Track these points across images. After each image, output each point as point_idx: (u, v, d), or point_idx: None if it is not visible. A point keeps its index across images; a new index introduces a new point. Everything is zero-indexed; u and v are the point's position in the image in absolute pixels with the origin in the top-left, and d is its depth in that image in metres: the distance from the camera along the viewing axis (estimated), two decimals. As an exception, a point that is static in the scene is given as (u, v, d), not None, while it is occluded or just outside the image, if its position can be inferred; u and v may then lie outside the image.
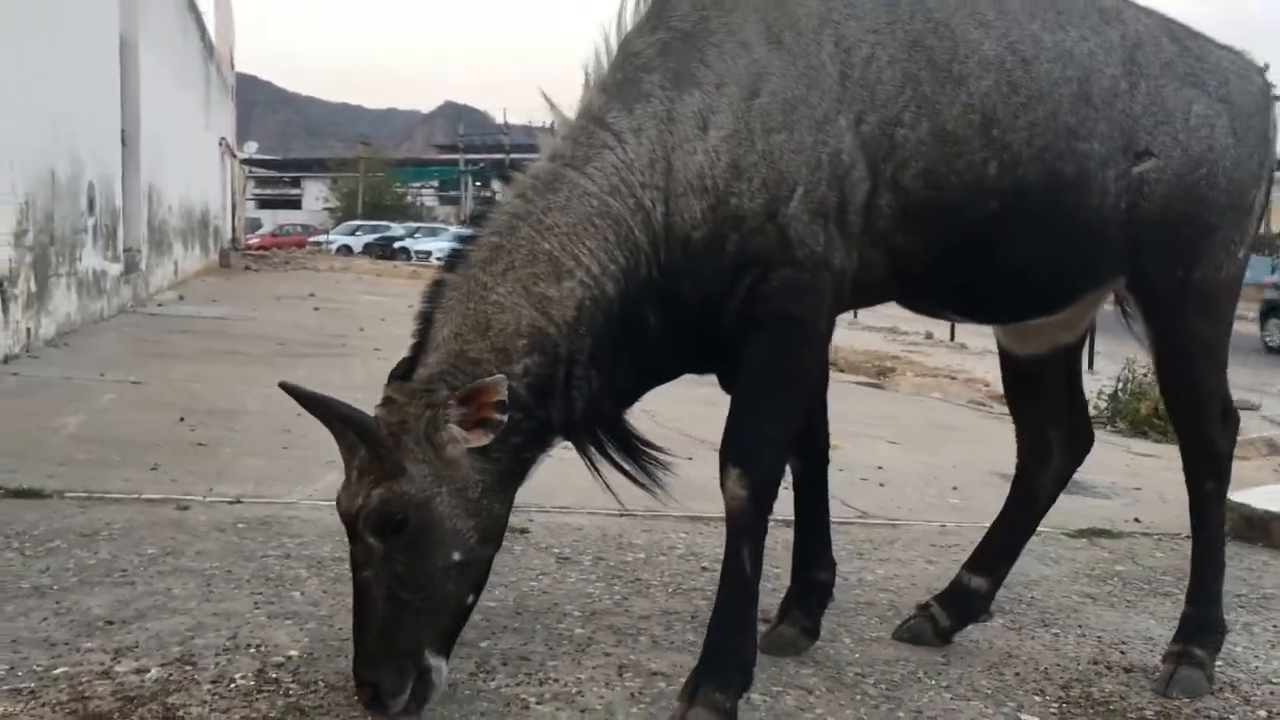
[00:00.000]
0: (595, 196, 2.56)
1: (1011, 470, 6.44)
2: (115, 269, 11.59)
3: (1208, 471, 3.20)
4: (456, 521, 2.43)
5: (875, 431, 7.68)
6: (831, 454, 6.71)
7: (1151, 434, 8.95)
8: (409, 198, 68.39)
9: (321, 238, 50.00)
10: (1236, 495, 5.33)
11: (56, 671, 2.62)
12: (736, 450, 2.59)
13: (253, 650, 2.84)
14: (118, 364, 7.92)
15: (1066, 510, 5.51)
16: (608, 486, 2.85)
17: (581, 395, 2.59)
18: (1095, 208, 2.88)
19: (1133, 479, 6.72)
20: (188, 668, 2.70)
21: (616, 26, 2.72)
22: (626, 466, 2.82)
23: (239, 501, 4.32)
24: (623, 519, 4.52)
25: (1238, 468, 7.79)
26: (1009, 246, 2.85)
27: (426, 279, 2.86)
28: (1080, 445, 3.48)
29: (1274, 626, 3.78)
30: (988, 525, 4.66)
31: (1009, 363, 3.48)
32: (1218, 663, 3.29)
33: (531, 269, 2.53)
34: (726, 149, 2.55)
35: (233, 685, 2.62)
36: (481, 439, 2.42)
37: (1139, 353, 11.51)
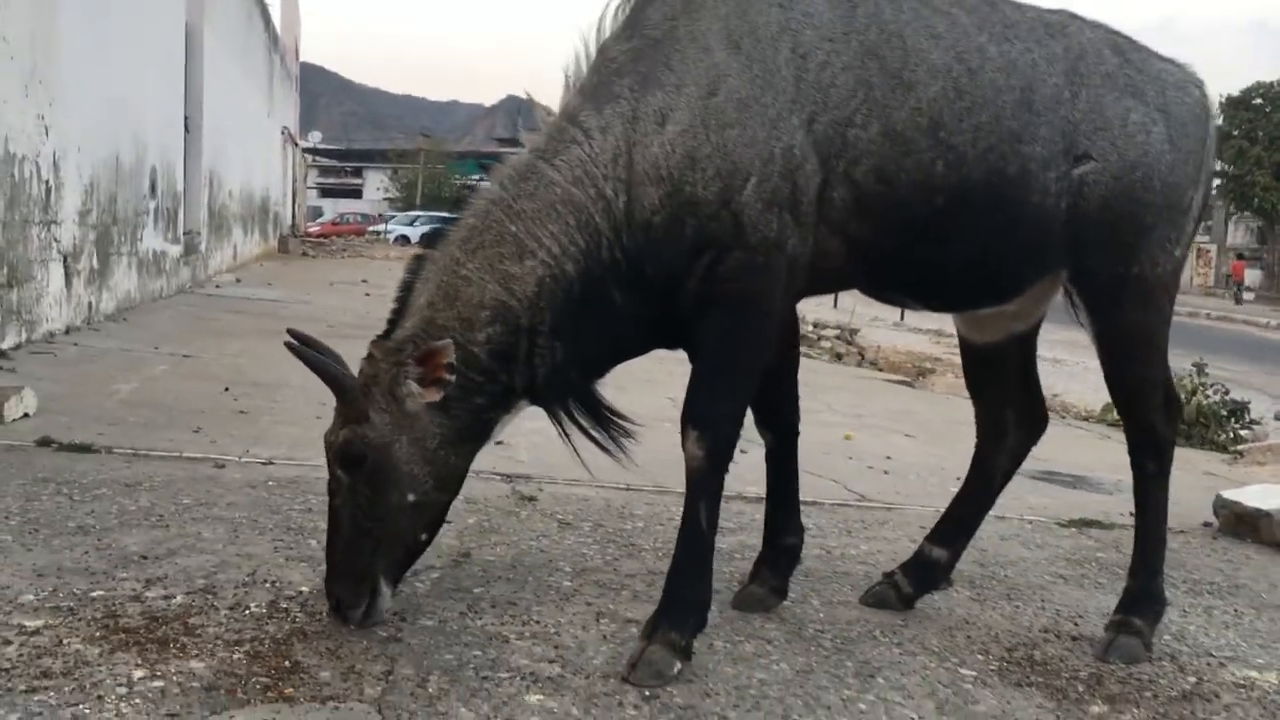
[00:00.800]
0: (560, 185, 2.84)
1: (1022, 464, 6.67)
2: (175, 250, 12.09)
3: (1149, 455, 3.43)
4: (413, 467, 2.82)
5: (894, 425, 7.89)
6: (843, 444, 7.02)
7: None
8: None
9: (380, 227, 50.85)
10: (1229, 493, 5.52)
11: (94, 594, 2.96)
12: (695, 416, 2.86)
13: (268, 585, 3.16)
14: (172, 339, 8.36)
15: (1065, 503, 5.74)
16: (575, 452, 3.14)
17: (544, 363, 2.88)
18: (1037, 205, 3.11)
19: (1142, 478, 6.86)
20: (209, 596, 3.03)
21: (596, 34, 2.99)
22: (594, 434, 3.09)
23: (271, 463, 4.67)
24: (629, 492, 4.80)
25: (1253, 472, 7.94)
26: (957, 239, 3.08)
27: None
28: (1035, 425, 3.72)
29: (1234, 611, 3.96)
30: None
31: (968, 350, 3.72)
32: (1165, 637, 3.52)
33: (498, 248, 2.84)
34: (682, 141, 2.80)
35: (247, 612, 2.94)
36: (434, 395, 2.78)
37: (1172, 362, 11.60)
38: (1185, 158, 3.32)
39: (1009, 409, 3.66)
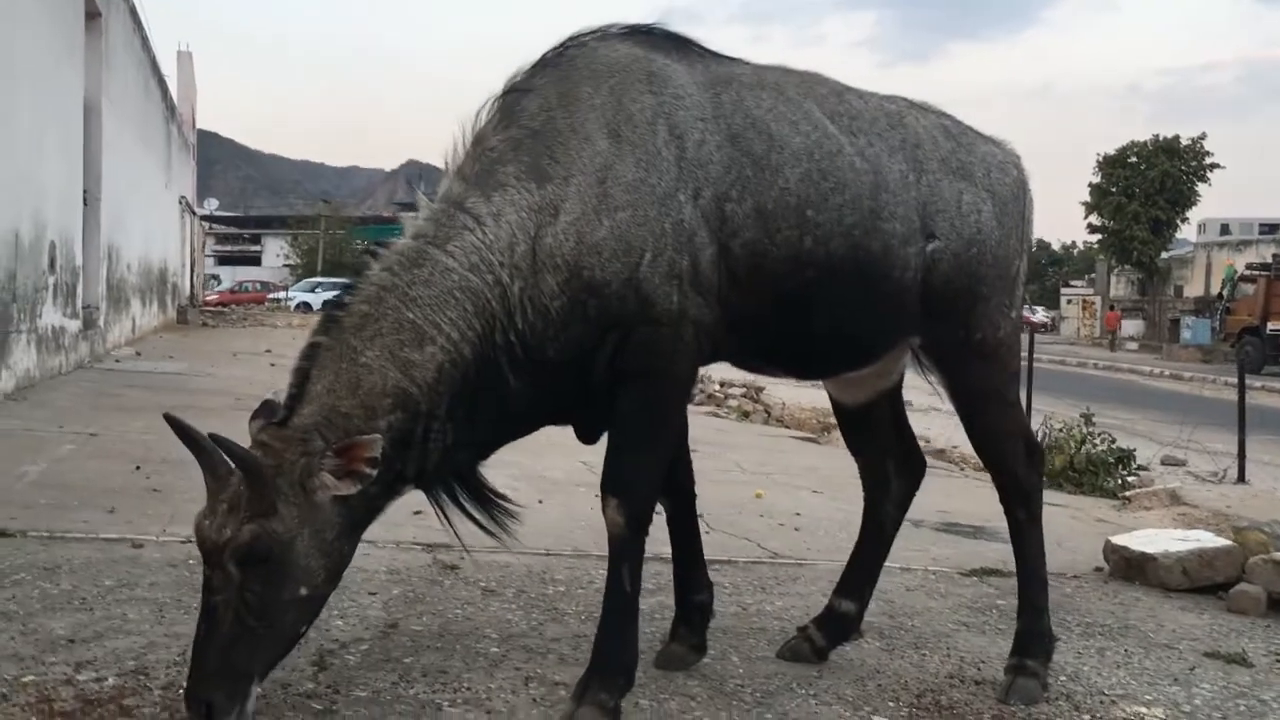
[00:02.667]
0: (456, 272, 2.88)
1: (924, 516, 6.94)
2: (74, 325, 11.89)
3: (1017, 502, 3.72)
4: (311, 560, 2.70)
5: (801, 482, 8.12)
6: (754, 502, 7.21)
7: (1066, 486, 9.45)
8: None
9: (281, 294, 50.17)
10: (1118, 539, 5.83)
11: (25, 680, 2.97)
12: (614, 484, 3.00)
13: (200, 664, 3.20)
14: (76, 417, 8.23)
15: (966, 552, 5.98)
16: (455, 532, 3.17)
17: (436, 448, 2.89)
18: (898, 279, 3.37)
19: (1037, 526, 7.18)
20: (141, 677, 3.07)
21: (473, 123, 3.09)
22: (476, 514, 3.13)
23: (190, 540, 4.64)
24: (549, 558, 4.91)
25: (1141, 516, 8.32)
26: (824, 310, 3.29)
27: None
28: (915, 471, 4.00)
29: (1125, 651, 4.21)
30: (888, 564, 5.13)
31: (841, 411, 3.99)
32: (1061, 678, 3.75)
33: (397, 336, 2.83)
34: (575, 229, 2.92)
35: (181, 691, 2.97)
36: (350, 488, 2.69)
37: (1059, 410, 12.12)
38: (1009, 232, 3.66)
39: (888, 459, 3.92)
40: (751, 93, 3.24)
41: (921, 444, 12.33)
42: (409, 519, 4.58)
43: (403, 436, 2.82)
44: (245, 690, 2.63)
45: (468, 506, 3.11)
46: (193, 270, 32.50)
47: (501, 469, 6.78)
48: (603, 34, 3.22)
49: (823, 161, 3.24)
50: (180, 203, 27.88)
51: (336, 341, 2.84)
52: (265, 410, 2.84)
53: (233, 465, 2.66)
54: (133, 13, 17.43)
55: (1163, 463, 11.97)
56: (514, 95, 3.09)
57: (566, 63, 3.13)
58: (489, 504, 3.14)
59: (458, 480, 3.08)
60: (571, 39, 3.19)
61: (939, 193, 3.47)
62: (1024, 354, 16.72)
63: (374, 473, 2.69)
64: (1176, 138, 49.98)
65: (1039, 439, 9.90)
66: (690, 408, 14.43)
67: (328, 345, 2.85)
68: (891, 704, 3.37)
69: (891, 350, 3.61)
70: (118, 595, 3.82)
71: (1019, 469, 3.69)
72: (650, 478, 3.06)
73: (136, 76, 17.96)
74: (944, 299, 3.48)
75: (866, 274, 3.29)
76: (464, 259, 2.90)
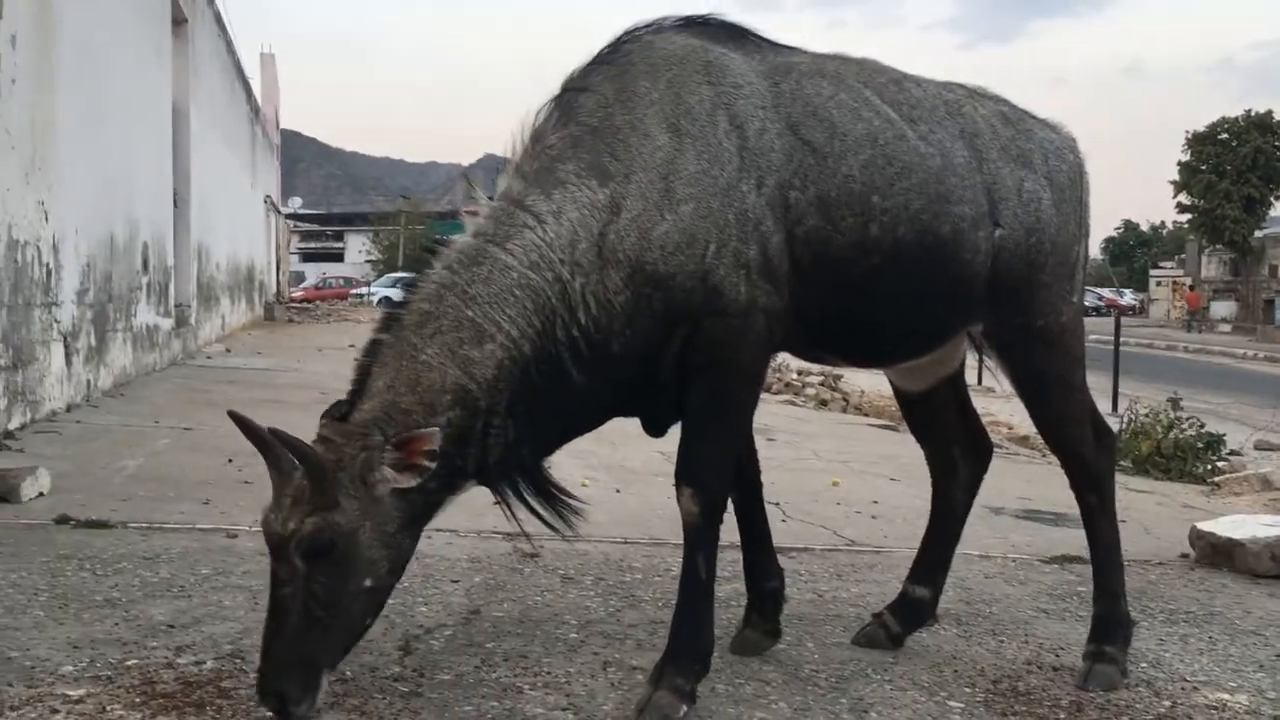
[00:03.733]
0: (515, 270, 2.90)
1: (1005, 503, 6.88)
2: (167, 324, 12.28)
3: (1087, 487, 3.69)
4: (373, 552, 2.74)
5: (878, 470, 8.09)
6: (831, 490, 7.22)
7: (1154, 471, 9.29)
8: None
9: (364, 290, 51.06)
10: (1204, 524, 5.73)
11: (129, 663, 3.13)
12: (688, 473, 3.04)
13: (291, 648, 3.33)
14: (170, 412, 8.53)
15: (1047, 539, 5.93)
16: (521, 527, 3.17)
17: (497, 444, 2.90)
18: (967, 263, 3.36)
19: (1122, 512, 6.98)
20: (238, 661, 3.20)
21: (531, 123, 3.10)
22: (542, 511, 3.13)
23: (281, 531, 4.83)
24: (626, 546, 4.99)
25: (1230, 502, 8.15)
26: (890, 297, 3.28)
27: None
28: (982, 455, 3.98)
29: (1209, 639, 4.16)
30: (966, 551, 5.11)
31: (904, 399, 3.99)
32: (1142, 664, 3.72)
33: (457, 334, 2.85)
34: (635, 226, 2.93)
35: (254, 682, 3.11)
36: (409, 481, 2.74)
37: (1146, 395, 11.89)
38: (1068, 219, 3.63)
39: (954, 445, 3.91)
40: (811, 81, 3.25)
41: (1005, 430, 12.21)
42: (489, 508, 4.64)
43: (461, 433, 2.84)
44: (316, 681, 2.70)
45: (532, 502, 3.11)
46: (278, 268, 33.27)
47: (580, 458, 6.95)
48: (658, 27, 3.23)
49: (887, 147, 3.24)
50: (265, 202, 28.56)
51: (397, 339, 2.88)
52: (335, 409, 2.88)
53: (295, 460, 2.70)
54: (217, 18, 17.91)
55: (1256, 447, 11.68)
56: (571, 94, 3.11)
57: (623, 59, 3.14)
58: (554, 499, 3.14)
59: (523, 475, 3.09)
60: (627, 34, 3.21)
61: (1001, 180, 3.46)
62: (1109, 337, 16.45)
63: (432, 465, 2.74)
64: (1269, 112, 48.46)
65: (1125, 424, 9.87)
66: (768, 396, 14.47)
67: (389, 342, 2.89)
68: (968, 690, 3.38)
69: (954, 337, 3.61)
70: (214, 583, 3.98)
71: (1087, 453, 3.66)
72: (723, 467, 3.10)
73: (222, 80, 18.44)
74: (1007, 286, 3.46)
75: (935, 259, 3.29)
76: (523, 256, 2.92)
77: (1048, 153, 3.64)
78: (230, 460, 6.46)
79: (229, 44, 19.59)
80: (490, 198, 3.09)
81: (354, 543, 2.71)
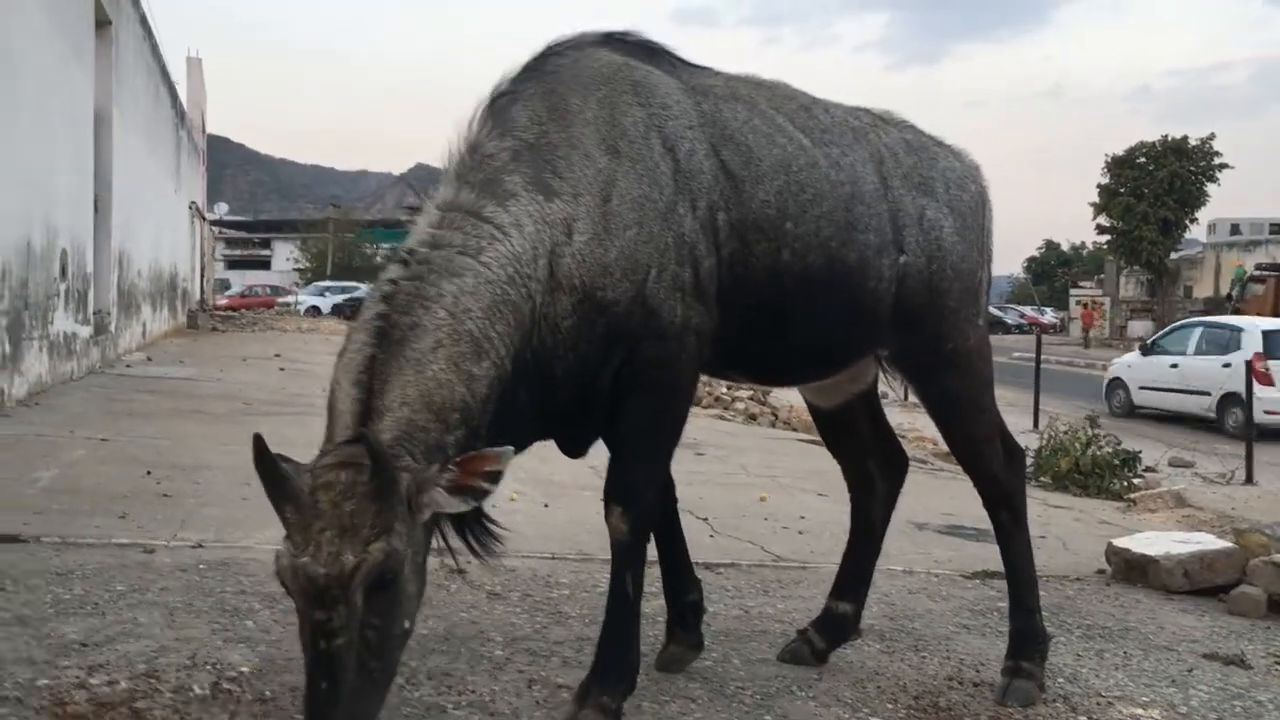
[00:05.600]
0: (498, 284, 2.78)
1: (928, 519, 6.97)
2: (85, 331, 11.98)
3: (999, 504, 3.78)
4: (413, 587, 2.51)
5: (805, 485, 8.15)
6: (758, 505, 7.24)
7: (1072, 488, 9.47)
8: (379, 259, 68.79)
9: (290, 298, 50.29)
10: (1120, 541, 5.87)
11: (39, 683, 3.04)
12: (620, 492, 3.03)
13: (209, 667, 3.27)
14: (87, 422, 8.31)
15: (969, 555, 6.02)
16: (449, 547, 2.89)
17: None
18: (872, 290, 3.42)
19: (1041, 528, 7.19)
20: (152, 680, 3.13)
21: (468, 129, 3.03)
22: (468, 536, 2.91)
23: (200, 546, 4.74)
24: (554, 561, 4.98)
25: (1145, 519, 8.34)
26: (798, 321, 3.32)
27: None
28: (897, 469, 4.05)
29: (1124, 653, 4.25)
30: (890, 567, 5.18)
31: (817, 414, 4.06)
32: (1059, 679, 3.79)
33: (457, 348, 2.67)
34: (589, 250, 2.91)
35: (191, 694, 3.05)
36: (461, 506, 2.50)
37: (1066, 413, 12.11)
38: (971, 246, 3.72)
39: (869, 460, 3.98)
40: (727, 105, 3.27)
41: (930, 445, 12.33)
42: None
43: (459, 454, 2.58)
44: None
45: (465, 526, 2.89)
46: (203, 275, 32.62)
47: (508, 473, 6.88)
48: (579, 42, 3.22)
49: (800, 174, 3.28)
50: (190, 208, 28.01)
51: (394, 355, 2.62)
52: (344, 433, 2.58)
53: (303, 491, 2.40)
54: (143, 20, 17.54)
55: (1170, 464, 11.97)
56: (503, 100, 3.06)
57: (550, 74, 3.11)
58: (480, 526, 2.95)
59: None
60: (551, 47, 3.19)
61: (904, 207, 3.53)
62: (1031, 355, 16.75)
63: (493, 489, 2.50)
64: (1185, 138, 49.79)
65: (1044, 441, 10.07)
66: (697, 410, 14.47)
67: (382, 359, 2.62)
68: (889, 706, 3.42)
69: (860, 360, 3.67)
70: (129, 600, 3.88)
71: (999, 472, 3.74)
72: (653, 486, 3.11)
73: (146, 83, 18.07)
74: (911, 311, 3.53)
75: (842, 285, 3.34)
76: (500, 270, 2.80)
77: (949, 181, 3.71)
78: (149, 472, 6.32)
79: (154, 47, 19.20)
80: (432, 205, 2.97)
81: (404, 574, 2.45)
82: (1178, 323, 21.69)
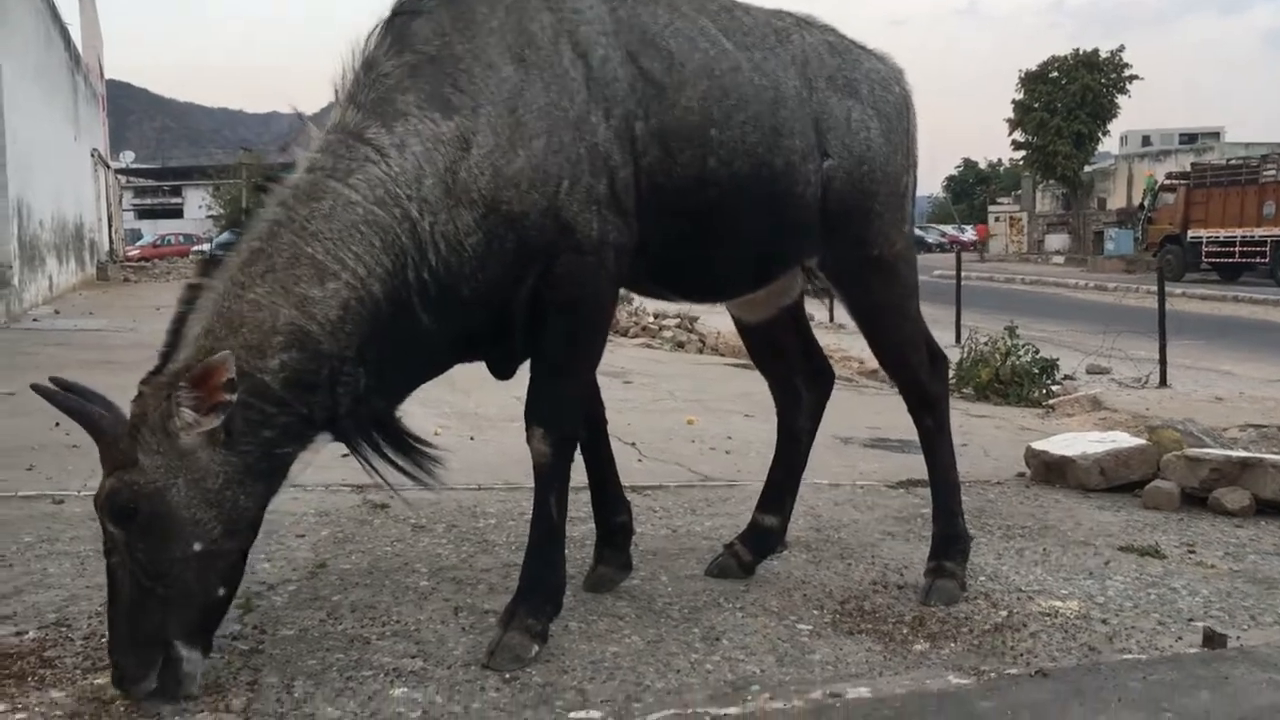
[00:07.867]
0: (360, 205, 2.71)
1: (854, 433, 7.03)
2: (-14, 285, 11.57)
3: (924, 411, 3.80)
4: (195, 512, 2.53)
5: (732, 407, 8.18)
6: (686, 428, 7.25)
7: (993, 397, 9.63)
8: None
9: (205, 247, 49.08)
10: (1038, 444, 5.97)
11: (-58, 637, 2.93)
12: (540, 413, 2.98)
13: (123, 613, 3.17)
14: (-8, 377, 8.03)
15: (894, 465, 6.10)
16: (382, 478, 2.94)
17: (348, 392, 2.72)
18: (799, 195, 3.35)
19: (964, 436, 7.29)
20: (63, 629, 3.04)
21: (363, 47, 2.91)
22: (401, 463, 2.94)
23: (113, 494, 4.60)
24: (480, 492, 4.93)
25: (1064, 423, 8.50)
26: (727, 231, 3.26)
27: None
28: (824, 383, 4.05)
29: (1043, 550, 4.33)
30: (816, 480, 5.21)
31: (745, 329, 4.02)
32: (981, 578, 3.85)
33: (293, 270, 2.65)
34: (489, 163, 2.80)
35: (104, 640, 2.94)
36: (213, 421, 2.50)
37: (986, 325, 12.24)
38: (896, 148, 3.66)
39: (796, 375, 3.97)
40: (645, 8, 3.16)
41: (855, 365, 12.46)
42: (337, 461, 4.52)
43: (301, 377, 2.64)
44: (161, 655, 2.50)
45: (389, 453, 2.92)
46: (111, 225, 31.66)
47: (431, 406, 6.82)
48: None
49: (723, 79, 3.19)
50: (93, 156, 27.08)
51: (219, 280, 2.66)
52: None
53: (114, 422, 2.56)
54: (27, -42, 16.76)
55: (1088, 371, 12.22)
56: (404, 17, 2.93)
57: None
58: (410, 450, 2.96)
59: (376, 427, 2.89)
60: None
61: (829, 110, 3.46)
62: (952, 273, 16.91)
63: (232, 398, 2.49)
64: (1095, 51, 50.44)
65: (966, 353, 10.22)
66: (624, 340, 14.48)
67: (209, 286, 2.67)
68: (816, 612, 3.45)
69: (790, 270, 3.63)
70: (37, 551, 3.77)
71: (923, 378, 3.75)
72: (574, 405, 3.06)
73: (36, 25, 17.31)
74: (840, 217, 3.48)
75: (770, 192, 3.27)
76: (368, 192, 2.73)
77: (874, 83, 3.64)
78: (58, 424, 6.07)
79: (42, -14, 18.39)
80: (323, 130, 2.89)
81: (164, 503, 2.51)
82: None
